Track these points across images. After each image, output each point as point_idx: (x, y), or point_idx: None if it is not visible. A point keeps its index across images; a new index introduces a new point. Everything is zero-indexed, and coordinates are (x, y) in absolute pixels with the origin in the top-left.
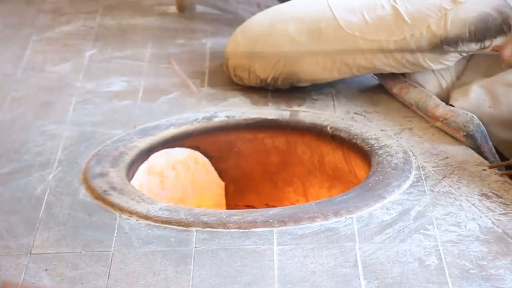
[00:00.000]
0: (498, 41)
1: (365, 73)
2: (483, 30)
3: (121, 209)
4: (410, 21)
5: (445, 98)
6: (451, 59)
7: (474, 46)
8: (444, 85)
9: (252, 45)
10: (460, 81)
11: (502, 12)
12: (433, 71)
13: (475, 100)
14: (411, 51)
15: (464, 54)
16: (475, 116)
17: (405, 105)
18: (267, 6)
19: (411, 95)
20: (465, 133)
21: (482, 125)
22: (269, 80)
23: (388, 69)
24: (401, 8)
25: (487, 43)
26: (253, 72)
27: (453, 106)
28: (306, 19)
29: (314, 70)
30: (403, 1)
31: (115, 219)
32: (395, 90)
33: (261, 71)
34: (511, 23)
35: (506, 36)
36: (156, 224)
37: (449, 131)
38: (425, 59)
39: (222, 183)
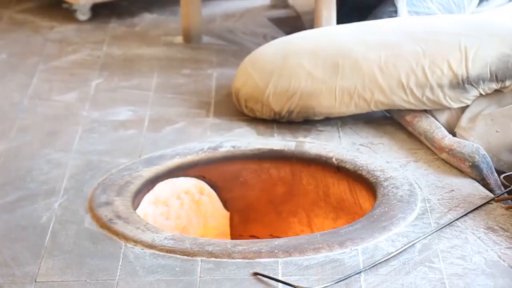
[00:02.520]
0: None
1: (383, 108)
2: (504, 70)
3: (126, 238)
4: (430, 59)
5: (452, 128)
6: (471, 97)
7: (495, 86)
8: (454, 115)
9: (266, 78)
10: (468, 110)
11: None
12: None
13: (483, 125)
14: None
15: (483, 93)
16: (480, 147)
17: (411, 137)
18: (273, 37)
19: (422, 124)
20: (470, 163)
21: (488, 157)
22: (283, 113)
23: (407, 106)
24: (421, 46)
25: (507, 82)
26: (267, 104)
27: (460, 133)
28: (321, 53)
29: (331, 104)
30: (423, 39)
31: (120, 248)
32: (408, 117)
33: (275, 104)
34: None
35: None
36: (161, 253)
37: (455, 162)
38: (446, 97)
39: (227, 213)
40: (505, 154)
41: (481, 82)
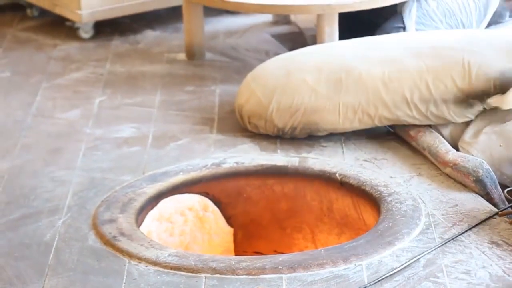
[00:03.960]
0: None
1: (387, 124)
2: (507, 85)
3: (130, 255)
4: (434, 74)
5: (455, 143)
6: (475, 112)
7: None
8: (458, 129)
9: (269, 94)
10: (472, 124)
11: None
12: None
13: (487, 140)
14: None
15: (487, 108)
16: (484, 162)
17: (414, 152)
18: (276, 54)
19: (426, 138)
20: (474, 178)
21: (492, 171)
22: (287, 129)
23: (411, 121)
24: (424, 61)
25: None
26: (270, 120)
27: (463, 147)
28: (324, 68)
29: (335, 120)
30: (426, 54)
31: (124, 265)
32: (412, 132)
33: (279, 120)
34: None
35: None
36: (165, 270)
37: (459, 176)
38: (450, 112)
39: (231, 229)
40: (508, 168)
41: (485, 97)
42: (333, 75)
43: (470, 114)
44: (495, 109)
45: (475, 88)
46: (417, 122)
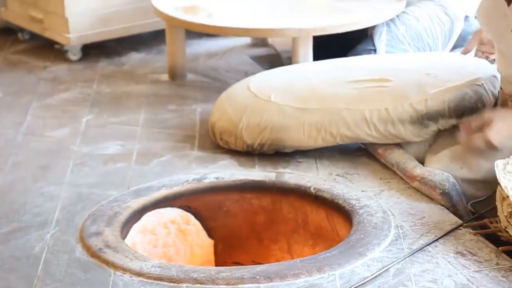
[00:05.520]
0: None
1: (348, 142)
2: (461, 108)
3: (116, 266)
4: (393, 96)
5: (421, 161)
6: (430, 132)
7: (452, 122)
8: (422, 149)
9: (239, 112)
10: (433, 147)
11: (476, 91)
12: None
13: (448, 162)
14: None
15: (442, 128)
16: (450, 176)
17: (384, 168)
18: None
19: (394, 155)
20: (441, 191)
21: (457, 184)
22: (255, 146)
23: (371, 140)
24: (385, 83)
25: (464, 119)
26: (240, 137)
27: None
28: (291, 89)
29: (300, 138)
30: (387, 76)
31: (110, 276)
32: (380, 150)
33: (248, 137)
34: (485, 101)
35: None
36: (149, 280)
37: (426, 190)
38: (407, 132)
39: (211, 241)
40: (468, 188)
41: (440, 118)
42: (300, 95)
43: (425, 134)
44: (451, 129)
45: (430, 109)
46: (376, 141)
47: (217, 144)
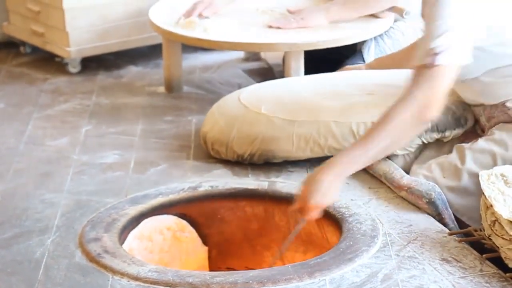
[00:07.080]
0: (456, 132)
1: (336, 153)
2: (444, 122)
3: (114, 271)
4: (379, 110)
5: (407, 172)
6: (414, 145)
7: (435, 136)
8: (408, 160)
9: (230, 123)
10: (419, 158)
11: (459, 107)
12: None
13: (432, 171)
14: None
15: (425, 142)
16: (436, 185)
17: (373, 178)
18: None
19: (381, 166)
20: (427, 200)
21: (443, 193)
22: (245, 156)
23: None
24: (372, 97)
25: (447, 133)
26: (230, 147)
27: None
28: (281, 101)
29: (289, 149)
30: (373, 91)
31: (108, 280)
32: None
33: (238, 147)
34: (467, 117)
35: (463, 129)
36: (146, 284)
37: (413, 199)
38: None
39: (206, 248)
40: (451, 197)
41: (423, 132)
42: (289, 108)
43: (409, 147)
44: (437, 142)
45: None
46: None
47: (210, 153)
